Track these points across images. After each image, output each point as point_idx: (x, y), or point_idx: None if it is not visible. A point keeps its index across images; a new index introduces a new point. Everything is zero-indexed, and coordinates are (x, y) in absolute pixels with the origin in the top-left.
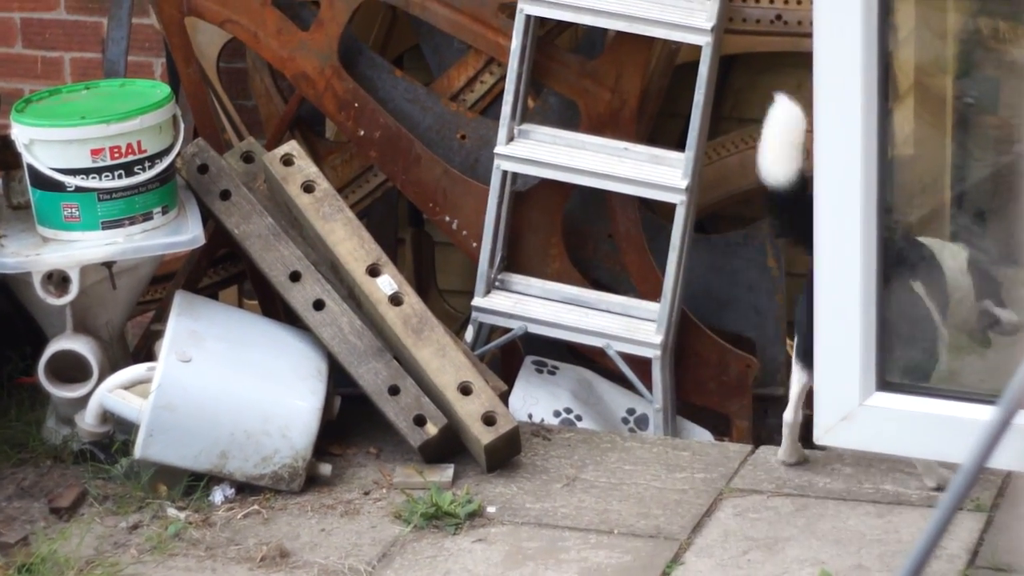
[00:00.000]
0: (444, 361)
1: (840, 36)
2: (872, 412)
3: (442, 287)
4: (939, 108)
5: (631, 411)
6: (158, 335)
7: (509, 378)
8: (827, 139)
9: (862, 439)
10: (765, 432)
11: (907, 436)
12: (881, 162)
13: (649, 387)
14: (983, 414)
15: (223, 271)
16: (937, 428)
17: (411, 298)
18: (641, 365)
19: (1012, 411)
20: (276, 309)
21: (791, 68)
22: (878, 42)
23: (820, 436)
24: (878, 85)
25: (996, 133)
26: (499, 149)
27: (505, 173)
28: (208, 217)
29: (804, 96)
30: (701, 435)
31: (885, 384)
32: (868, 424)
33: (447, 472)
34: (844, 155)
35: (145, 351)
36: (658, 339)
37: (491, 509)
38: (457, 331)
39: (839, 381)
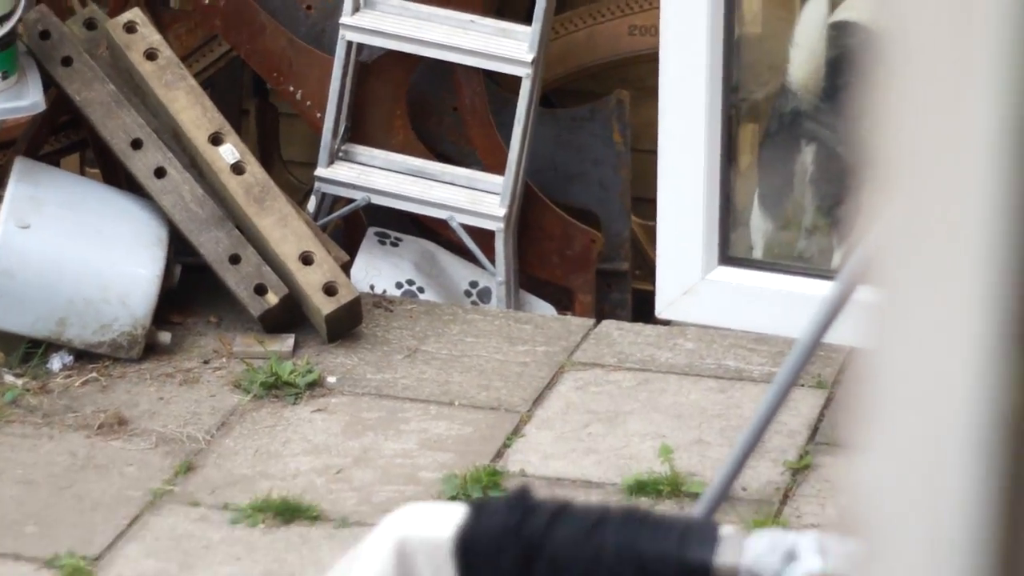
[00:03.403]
0: (286, 231)
1: None
2: (714, 286)
3: (286, 158)
4: None
5: (474, 284)
6: None
7: (352, 249)
8: (673, 15)
9: (703, 313)
10: (608, 307)
11: (748, 311)
12: (727, 38)
13: (492, 260)
14: (824, 290)
15: (64, 138)
16: (778, 303)
17: (253, 167)
18: (485, 238)
19: (851, 286)
20: (118, 178)
21: None
22: None
23: (662, 310)
24: None
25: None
26: (344, 19)
27: (350, 44)
28: (50, 84)
29: None
30: (544, 309)
31: (727, 259)
32: (710, 298)
33: (288, 342)
34: (690, 28)
35: None
36: (501, 212)
37: (331, 379)
38: (300, 202)
39: (682, 255)
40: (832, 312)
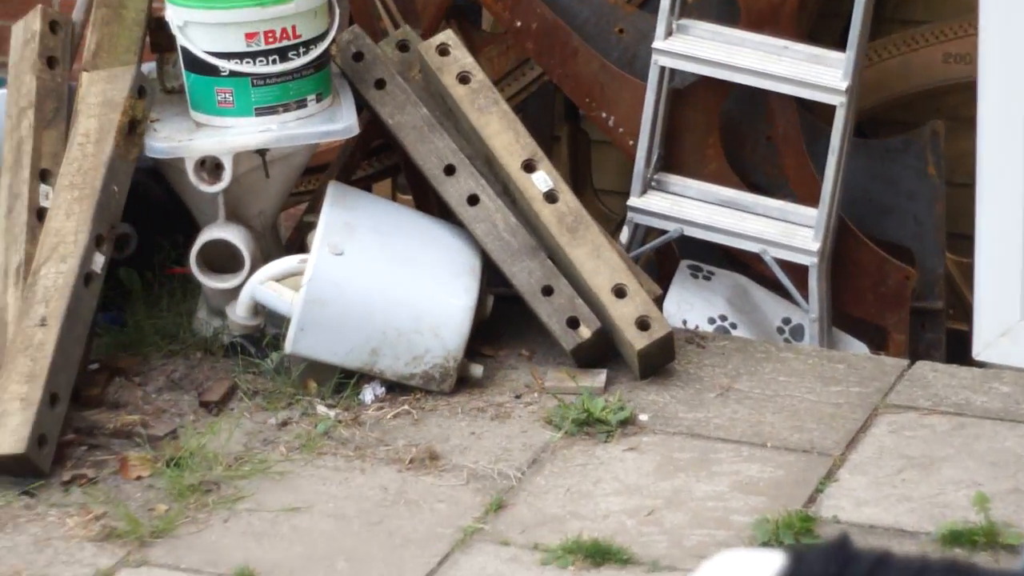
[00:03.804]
0: (599, 262)
1: None
2: None
3: (597, 186)
4: None
5: (786, 320)
6: (311, 227)
7: (663, 282)
8: (993, 43)
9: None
10: (922, 347)
11: None
12: None
13: (805, 296)
14: None
15: (377, 163)
16: None
17: (566, 195)
18: (797, 272)
19: None
20: (430, 203)
21: None
22: None
23: (979, 352)
24: None
25: None
26: (657, 44)
27: (663, 69)
28: (362, 107)
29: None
30: (857, 348)
31: None
32: None
33: (600, 377)
34: (1010, 61)
35: (298, 243)
36: (815, 246)
37: (643, 417)
38: (612, 232)
39: (1001, 295)
40: None
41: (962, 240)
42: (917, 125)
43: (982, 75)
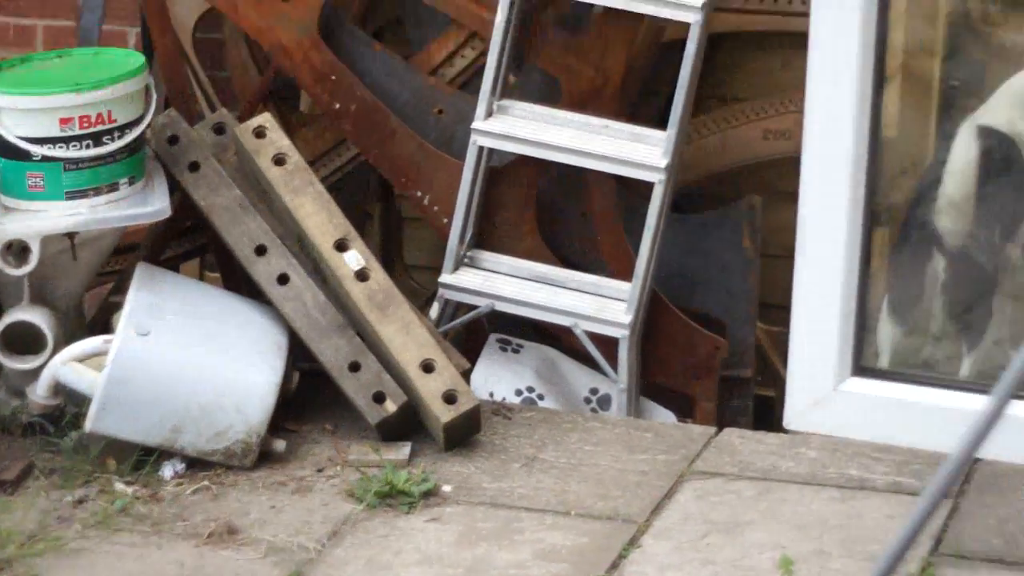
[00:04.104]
0: (407, 338)
1: (838, 16)
2: (845, 397)
3: (408, 262)
4: (925, 90)
5: (594, 391)
6: (116, 307)
7: (471, 355)
8: (818, 121)
9: (834, 424)
10: (729, 414)
11: (878, 422)
12: (872, 144)
13: (615, 367)
14: (962, 402)
15: (187, 243)
16: (911, 414)
17: (378, 274)
18: (608, 344)
19: (1004, 401)
20: (238, 283)
21: (776, 48)
22: (876, 23)
23: (790, 421)
24: (874, 66)
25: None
26: (477, 124)
27: (481, 149)
28: (175, 188)
29: (788, 75)
30: (665, 416)
31: (860, 369)
32: (840, 409)
33: (404, 450)
34: (833, 138)
35: (102, 323)
36: (627, 319)
37: (447, 488)
38: (421, 307)
39: (814, 365)
40: (986, 426)
41: (772, 309)
42: (734, 198)
43: (807, 151)
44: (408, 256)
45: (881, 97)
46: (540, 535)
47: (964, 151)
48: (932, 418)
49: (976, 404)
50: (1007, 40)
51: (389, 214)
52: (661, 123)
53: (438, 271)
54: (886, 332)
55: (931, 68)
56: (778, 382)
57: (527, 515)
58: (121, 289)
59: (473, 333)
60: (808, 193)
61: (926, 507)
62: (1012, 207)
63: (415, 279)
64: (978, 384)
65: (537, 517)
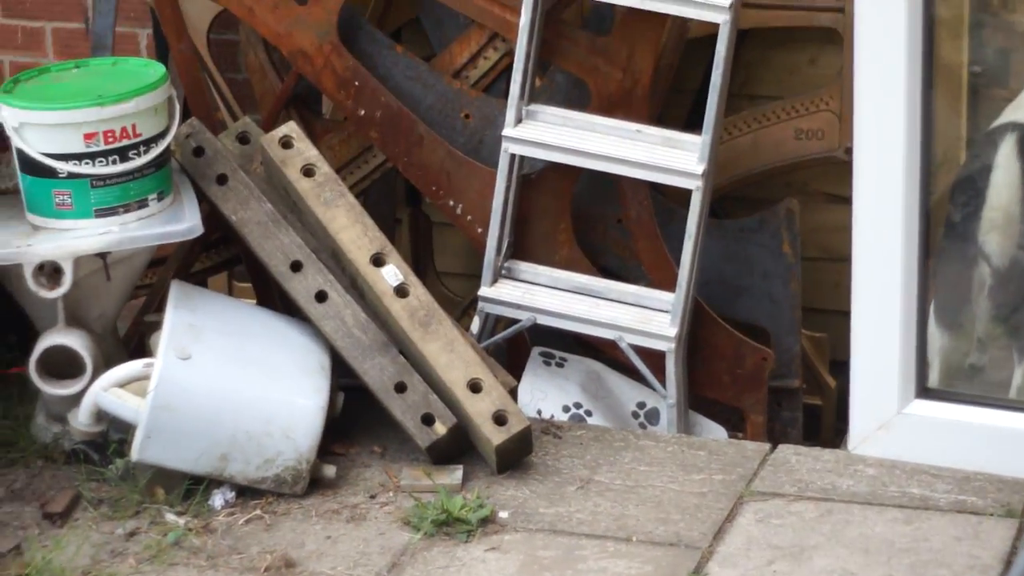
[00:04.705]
0: (452, 356)
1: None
2: (911, 420)
3: (440, 269)
4: (952, 78)
5: (641, 405)
6: (152, 326)
7: (514, 369)
8: (868, 140)
9: (901, 449)
10: (779, 426)
11: (948, 446)
12: (924, 157)
13: (662, 380)
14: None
15: (215, 256)
16: (981, 438)
17: (417, 289)
18: (653, 357)
19: None
20: (271, 297)
21: (803, 43)
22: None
23: (855, 446)
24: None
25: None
26: (507, 131)
27: (513, 157)
28: (202, 199)
29: (815, 71)
30: (715, 431)
31: (924, 391)
32: (907, 433)
33: (456, 474)
34: (887, 151)
35: (136, 340)
36: (673, 331)
37: (503, 514)
38: (457, 316)
39: (877, 388)
40: None
41: (815, 314)
42: (768, 201)
43: (858, 168)
44: (439, 263)
45: (932, 104)
46: (603, 563)
47: (1007, 162)
48: (1000, 442)
49: None
50: None
51: (418, 220)
52: (690, 123)
53: (471, 278)
54: (933, 337)
55: (958, 54)
56: (824, 390)
57: (588, 542)
58: (153, 306)
59: (513, 345)
60: (861, 205)
61: None
62: None
63: (448, 287)
64: None
65: (598, 544)
